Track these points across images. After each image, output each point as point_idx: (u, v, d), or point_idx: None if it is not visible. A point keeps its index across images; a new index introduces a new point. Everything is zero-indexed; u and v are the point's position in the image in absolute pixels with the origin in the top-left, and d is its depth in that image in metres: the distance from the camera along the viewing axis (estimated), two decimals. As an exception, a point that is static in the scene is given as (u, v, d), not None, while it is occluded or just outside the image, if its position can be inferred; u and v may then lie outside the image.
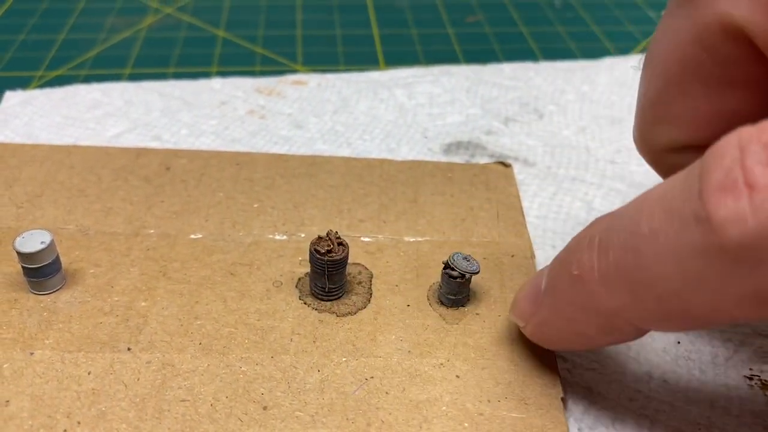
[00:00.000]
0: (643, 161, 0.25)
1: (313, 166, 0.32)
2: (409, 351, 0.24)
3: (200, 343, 0.24)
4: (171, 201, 0.29)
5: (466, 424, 0.22)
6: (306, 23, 0.47)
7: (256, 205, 0.29)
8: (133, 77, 0.40)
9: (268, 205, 0.29)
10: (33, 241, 0.24)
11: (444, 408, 0.22)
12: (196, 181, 0.30)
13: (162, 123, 0.35)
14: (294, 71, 0.41)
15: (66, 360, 0.23)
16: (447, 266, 0.25)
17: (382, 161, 0.32)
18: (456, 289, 0.25)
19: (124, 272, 0.26)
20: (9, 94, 0.37)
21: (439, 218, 0.29)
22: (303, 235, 0.28)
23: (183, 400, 0.22)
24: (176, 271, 0.26)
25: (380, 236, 0.28)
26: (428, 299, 0.26)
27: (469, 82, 0.40)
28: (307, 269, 0.27)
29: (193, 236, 0.28)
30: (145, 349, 0.23)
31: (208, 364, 0.23)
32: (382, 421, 0.22)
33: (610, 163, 0.34)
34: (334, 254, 0.24)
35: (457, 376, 0.23)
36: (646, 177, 0.33)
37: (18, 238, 0.24)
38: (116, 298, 0.25)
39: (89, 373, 0.23)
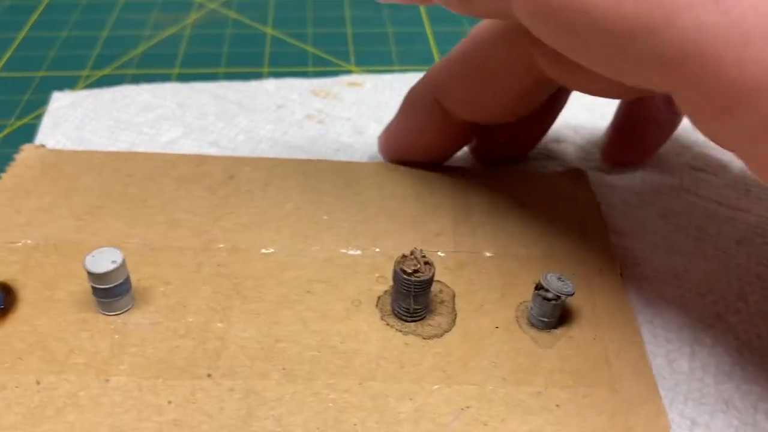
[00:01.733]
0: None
1: (380, 174, 0.31)
2: (503, 378, 0.22)
3: (284, 369, 0.22)
4: (238, 213, 0.28)
5: (573, 460, 0.20)
6: (355, 20, 0.45)
7: (325, 218, 0.28)
8: (183, 77, 0.38)
9: (338, 218, 0.28)
10: (104, 260, 0.23)
11: (547, 441, 0.21)
12: (261, 191, 0.29)
13: (218, 128, 0.34)
14: (348, 72, 0.40)
15: (143, 388, 0.22)
16: (540, 287, 0.23)
17: (452, 169, 0.31)
18: (550, 311, 0.24)
19: (196, 290, 0.25)
20: (57, 95, 0.36)
21: (518, 231, 0.28)
22: (378, 250, 0.27)
23: (272, 432, 0.21)
24: (250, 289, 0.25)
25: (458, 251, 0.27)
26: (517, 321, 0.24)
27: None
28: (386, 287, 0.25)
29: (264, 251, 0.26)
30: (226, 375, 0.22)
31: (294, 392, 0.22)
32: (484, 456, 0.20)
33: (690, 169, 0.32)
34: (421, 274, 0.23)
35: (557, 405, 0.22)
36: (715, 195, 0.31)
37: (88, 257, 0.23)
38: (190, 319, 0.24)
39: (170, 403, 0.21)
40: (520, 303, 0.25)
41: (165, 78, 0.38)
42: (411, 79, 0.38)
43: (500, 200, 0.29)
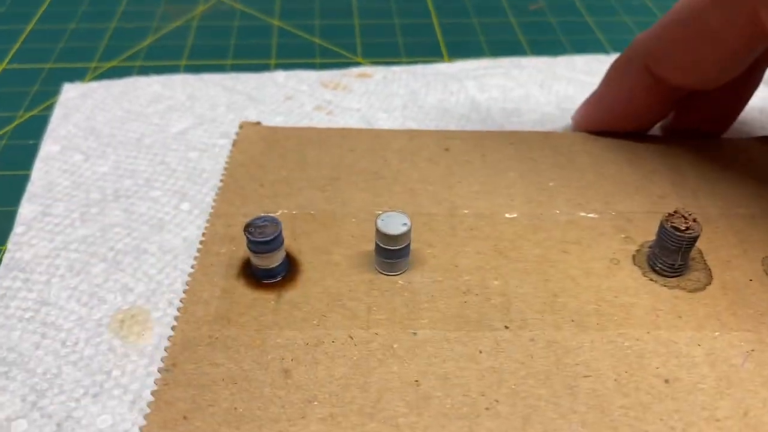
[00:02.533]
0: None
1: (584, 143, 0.32)
2: (774, 324, 0.24)
3: (572, 320, 0.24)
4: (467, 181, 0.29)
5: None
6: (362, 11, 0.45)
7: (551, 184, 0.30)
8: (191, 69, 0.39)
9: (562, 184, 0.30)
10: (394, 223, 0.24)
11: (833, 379, 0.22)
12: (480, 161, 0.31)
13: (229, 119, 0.34)
14: (356, 63, 0.40)
15: (451, 339, 0.23)
16: (795, 240, 0.25)
17: (650, 138, 0.32)
18: (804, 263, 0.25)
19: (461, 252, 0.26)
20: (67, 87, 0.36)
21: (733, 192, 0.29)
22: (613, 213, 0.28)
23: (586, 376, 0.22)
24: (510, 250, 0.26)
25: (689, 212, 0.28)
26: (765, 273, 0.26)
27: (543, 76, 0.38)
28: (635, 246, 0.27)
29: (507, 215, 0.28)
30: (522, 327, 0.24)
31: (591, 340, 0.23)
32: (785, 393, 0.22)
33: None
34: (692, 231, 0.24)
35: None
36: None
37: (379, 221, 0.24)
38: (467, 278, 0.25)
39: (480, 352, 0.23)
40: (764, 257, 0.26)
41: (173, 69, 0.39)
42: (421, 70, 0.38)
43: (706, 164, 0.31)
